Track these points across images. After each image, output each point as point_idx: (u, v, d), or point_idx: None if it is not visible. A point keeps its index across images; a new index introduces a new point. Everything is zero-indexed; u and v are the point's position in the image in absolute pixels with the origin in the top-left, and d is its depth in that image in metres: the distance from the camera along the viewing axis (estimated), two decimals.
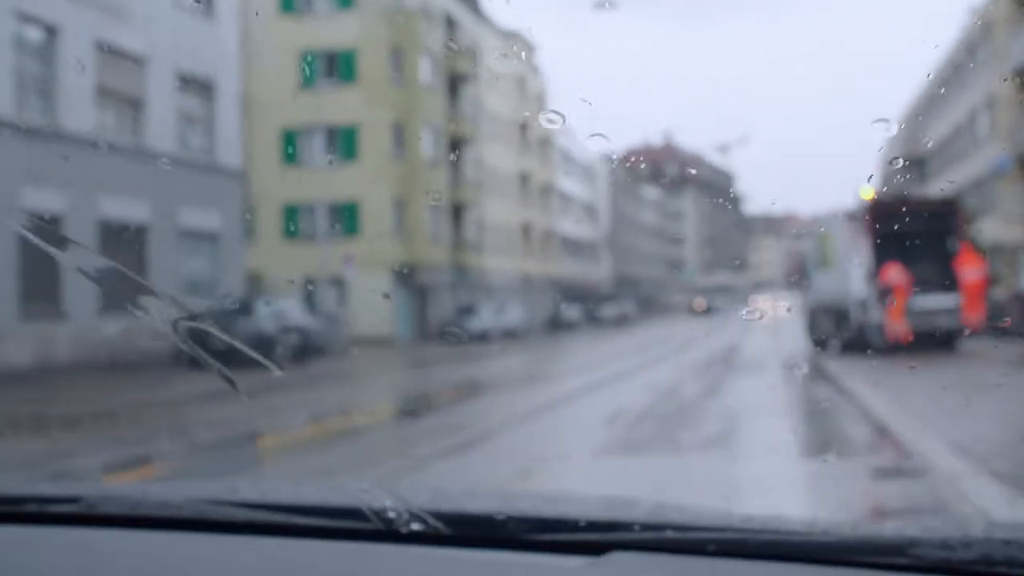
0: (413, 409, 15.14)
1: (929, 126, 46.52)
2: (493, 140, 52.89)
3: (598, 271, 76.24)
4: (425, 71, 42.25)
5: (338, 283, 37.80)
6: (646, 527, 1.70)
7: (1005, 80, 28.71)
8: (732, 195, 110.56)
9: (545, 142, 63.17)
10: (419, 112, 41.01)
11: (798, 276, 26.82)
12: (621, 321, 65.35)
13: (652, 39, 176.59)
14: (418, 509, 1.74)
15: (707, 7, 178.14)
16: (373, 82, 39.39)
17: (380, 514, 1.74)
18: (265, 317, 24.70)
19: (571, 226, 69.19)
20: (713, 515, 1.80)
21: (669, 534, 1.68)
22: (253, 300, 27.87)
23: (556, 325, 55.98)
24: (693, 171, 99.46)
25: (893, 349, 18.44)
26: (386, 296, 34.87)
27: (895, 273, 19.60)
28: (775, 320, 47.73)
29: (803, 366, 19.78)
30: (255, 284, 36.62)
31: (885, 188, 17.73)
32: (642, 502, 1.90)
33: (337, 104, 38.68)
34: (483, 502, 2.01)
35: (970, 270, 19.89)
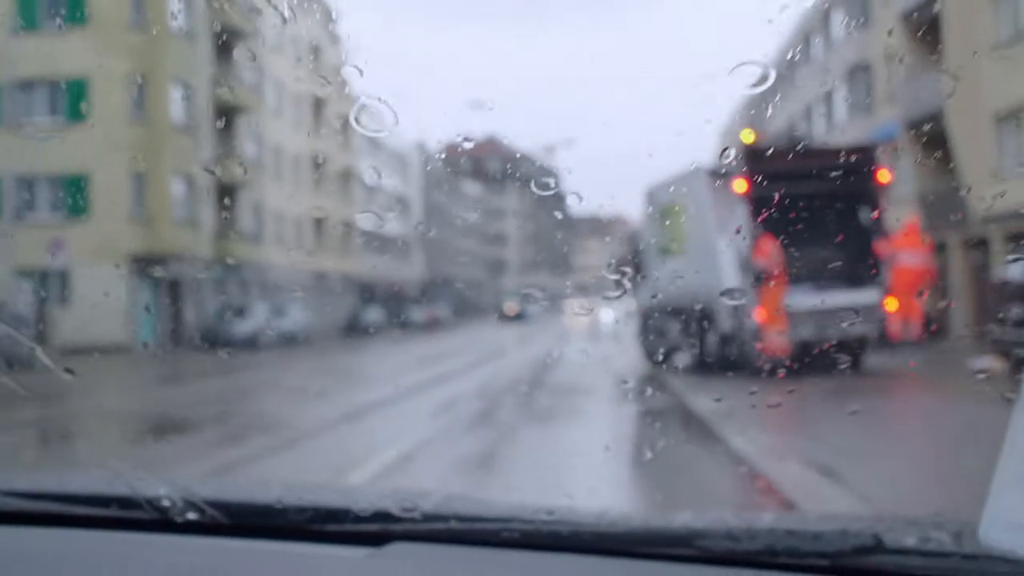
0: None
1: (779, 109, 41.74)
2: (279, 114, 45.42)
3: (409, 270, 69.35)
4: (178, 15, 34.43)
5: (58, 276, 29.90)
6: (430, 517, 1.67)
7: (890, 33, 23.39)
8: (558, 194, 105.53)
9: (347, 123, 55.90)
10: (168, 64, 33.07)
11: (628, 269, 20.10)
12: (432, 326, 58.98)
13: (477, 38, 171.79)
14: (194, 498, 1.70)
15: (535, 11, 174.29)
16: (108, 24, 31.37)
17: (154, 503, 1.70)
18: None
19: (377, 219, 62.07)
20: (502, 506, 1.77)
21: (454, 524, 1.66)
22: None
23: (354, 330, 49.32)
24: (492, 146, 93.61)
25: (777, 367, 12.44)
26: (106, 294, 27.13)
27: (769, 250, 13.58)
28: (597, 326, 42.00)
29: (653, 402, 13.10)
30: None
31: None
32: (431, 494, 1.80)
33: (63, 51, 30.54)
34: (267, 493, 1.87)
35: (904, 253, 14.02)
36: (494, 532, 1.62)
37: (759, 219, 13.39)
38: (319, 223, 50.54)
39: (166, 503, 1.68)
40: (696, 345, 16.08)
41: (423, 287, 70.71)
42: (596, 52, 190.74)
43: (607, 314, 50.96)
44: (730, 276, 14.27)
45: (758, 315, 13.79)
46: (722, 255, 14.36)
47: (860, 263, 13.86)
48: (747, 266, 14.03)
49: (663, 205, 17.15)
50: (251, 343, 34.29)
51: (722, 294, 14.32)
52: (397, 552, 1.62)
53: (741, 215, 13.96)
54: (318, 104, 50.28)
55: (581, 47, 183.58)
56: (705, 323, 15.40)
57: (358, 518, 1.67)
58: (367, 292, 58.14)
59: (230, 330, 34.54)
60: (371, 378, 20.96)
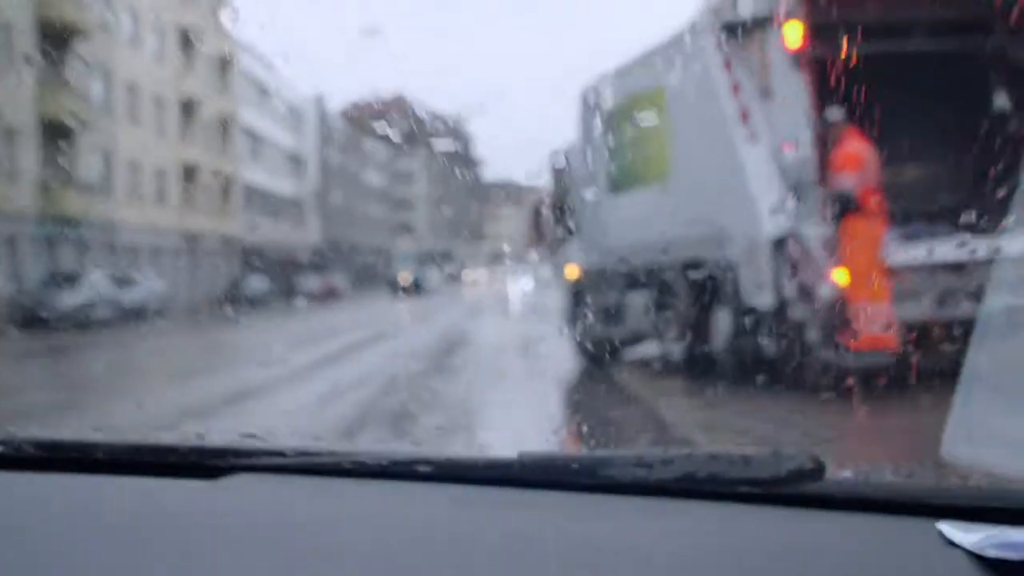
0: None
1: None
2: (135, 45, 38.16)
3: (303, 234, 62.45)
4: None
5: None
6: (278, 452, 1.53)
7: None
8: (470, 157, 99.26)
9: (228, 65, 48.65)
10: None
11: (553, 217, 13.48)
12: (327, 297, 52.40)
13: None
14: (9, 436, 1.58)
15: None
16: None
17: None
18: None
19: (265, 176, 55.01)
20: (363, 447, 1.58)
21: (302, 458, 1.52)
22: None
23: (232, 301, 42.53)
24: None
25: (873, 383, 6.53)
26: None
27: (855, 157, 7.60)
28: (508, 299, 35.82)
29: None
30: None
31: None
32: (279, 432, 2.09)
33: None
34: (92, 434, 1.71)
35: None
36: (348, 461, 1.47)
37: (832, 102, 7.30)
38: (190, 176, 43.38)
39: None
40: (690, 334, 9.64)
41: (319, 254, 63.94)
42: (517, 19, 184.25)
43: (522, 283, 44.46)
44: (775, 205, 7.96)
45: (839, 277, 7.58)
46: (756, 170, 8.04)
47: (1008, 184, 8.01)
48: (810, 187, 7.82)
49: (620, 102, 10.59)
50: (81, 319, 27.53)
51: (759, 238, 8.03)
52: (237, 483, 1.46)
53: (795, 95, 7.80)
54: (186, 37, 43.01)
55: (503, 11, 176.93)
56: (712, 295, 9.03)
57: (196, 451, 1.55)
58: (252, 258, 51.30)
59: (53, 303, 27.70)
60: (185, 375, 14.43)
